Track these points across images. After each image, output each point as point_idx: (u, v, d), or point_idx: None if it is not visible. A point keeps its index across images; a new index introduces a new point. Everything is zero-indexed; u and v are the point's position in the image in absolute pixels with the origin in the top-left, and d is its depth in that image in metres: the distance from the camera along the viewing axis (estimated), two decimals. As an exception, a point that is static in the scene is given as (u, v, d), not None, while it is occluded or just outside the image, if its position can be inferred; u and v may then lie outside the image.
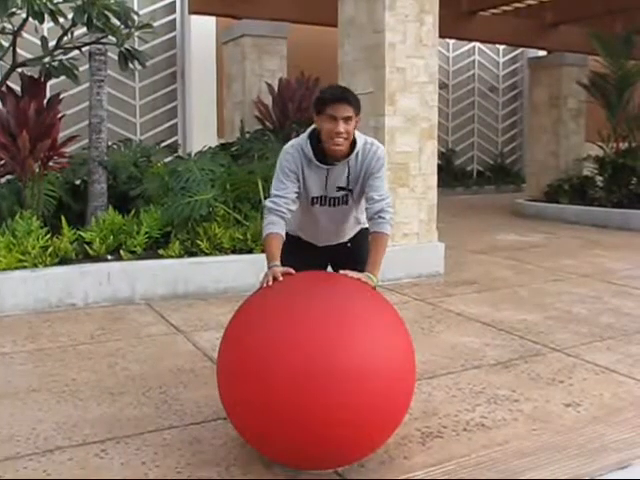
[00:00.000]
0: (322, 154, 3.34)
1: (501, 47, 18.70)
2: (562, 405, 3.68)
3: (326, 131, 3.25)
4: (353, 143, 3.36)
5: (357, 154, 3.38)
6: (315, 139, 3.36)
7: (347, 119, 3.22)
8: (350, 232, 3.73)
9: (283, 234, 3.35)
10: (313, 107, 3.35)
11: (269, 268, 3.14)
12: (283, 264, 3.19)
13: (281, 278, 3.01)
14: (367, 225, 3.53)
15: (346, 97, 3.26)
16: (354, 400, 2.64)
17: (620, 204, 11.28)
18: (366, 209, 3.45)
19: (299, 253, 3.55)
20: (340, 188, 3.42)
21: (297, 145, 3.40)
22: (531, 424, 3.42)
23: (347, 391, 2.63)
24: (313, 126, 3.40)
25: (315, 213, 3.53)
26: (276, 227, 3.32)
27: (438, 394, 3.83)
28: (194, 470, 2.94)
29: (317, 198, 3.46)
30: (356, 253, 3.63)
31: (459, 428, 3.38)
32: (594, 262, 7.90)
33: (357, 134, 3.38)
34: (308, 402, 2.61)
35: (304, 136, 3.42)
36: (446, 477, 2.89)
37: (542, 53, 14.94)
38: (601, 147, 12.54)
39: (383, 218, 3.36)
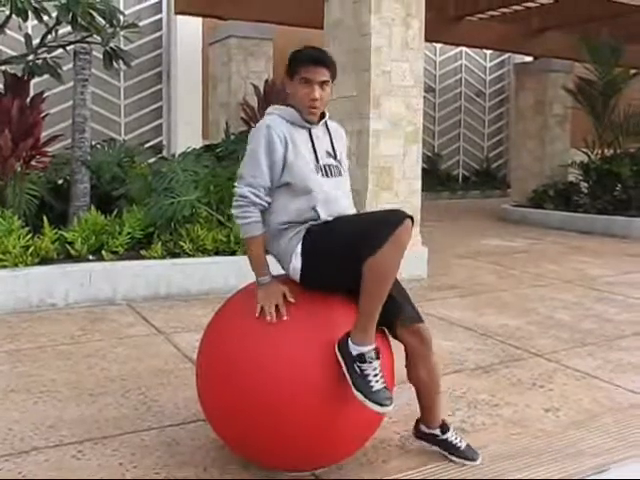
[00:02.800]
0: (302, 116, 2.98)
1: (488, 52, 18.76)
2: (542, 410, 3.68)
3: (300, 97, 2.93)
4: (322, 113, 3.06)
5: (328, 119, 3.10)
6: (291, 105, 3.01)
7: (323, 84, 2.91)
8: None
9: None
10: (286, 70, 3.00)
11: (262, 283, 2.84)
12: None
13: (284, 301, 2.76)
14: None
15: (323, 59, 2.93)
16: (330, 405, 2.64)
17: (604, 210, 11.34)
18: None
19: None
20: (328, 153, 3.03)
21: (274, 116, 2.98)
22: (510, 429, 3.42)
23: (323, 396, 2.63)
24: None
25: (328, 190, 2.96)
26: (261, 226, 2.90)
27: (418, 398, 3.83)
28: (172, 471, 2.93)
29: (318, 167, 2.96)
30: None
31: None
32: (577, 268, 7.93)
33: None
34: (284, 407, 2.60)
35: (274, 108, 3.04)
36: (424, 481, 2.89)
37: (528, 59, 15.00)
38: (586, 153, 12.60)
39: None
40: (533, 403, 3.78)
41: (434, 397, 3.09)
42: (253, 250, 2.90)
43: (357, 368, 2.65)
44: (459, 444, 3.07)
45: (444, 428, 3.09)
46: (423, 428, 3.14)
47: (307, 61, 2.91)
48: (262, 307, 2.73)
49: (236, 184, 2.95)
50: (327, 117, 3.09)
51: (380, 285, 2.66)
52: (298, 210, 2.90)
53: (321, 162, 2.98)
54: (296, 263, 2.85)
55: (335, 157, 3.06)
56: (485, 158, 19.25)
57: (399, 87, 7.02)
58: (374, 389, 2.64)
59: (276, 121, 2.94)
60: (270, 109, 3.05)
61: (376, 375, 2.66)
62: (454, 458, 3.04)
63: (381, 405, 2.64)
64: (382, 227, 2.66)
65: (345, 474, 2.93)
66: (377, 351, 2.70)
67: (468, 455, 3.05)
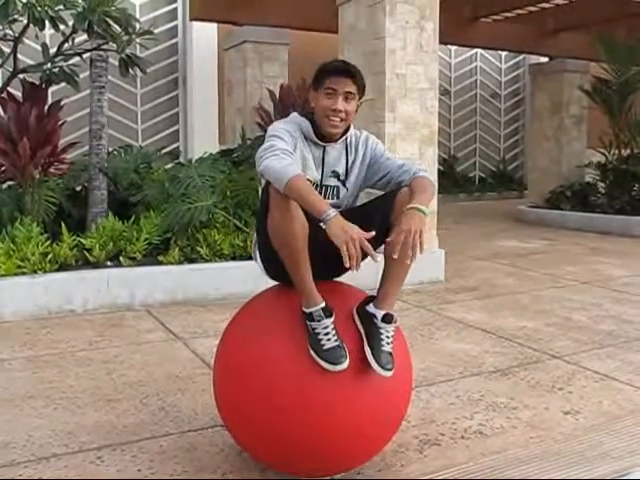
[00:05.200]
0: (318, 132, 2.95)
1: (503, 53, 18.69)
2: (561, 413, 3.66)
3: (322, 108, 2.87)
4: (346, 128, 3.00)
5: (351, 136, 3.05)
6: (309, 118, 2.98)
7: (348, 95, 2.85)
8: None
9: None
10: (312, 82, 2.98)
11: (331, 217, 2.50)
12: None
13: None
14: None
15: (350, 70, 2.88)
16: (347, 409, 2.64)
17: (622, 211, 11.25)
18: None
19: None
20: (334, 173, 2.99)
21: (292, 118, 3.01)
22: (529, 432, 3.41)
23: (341, 402, 2.63)
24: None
25: None
26: (298, 169, 2.68)
27: (436, 401, 3.82)
28: (190, 477, 2.93)
29: (312, 184, 2.84)
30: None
31: (457, 436, 3.36)
32: (595, 269, 7.88)
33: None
34: (302, 412, 2.61)
35: (294, 116, 3.03)
36: (443, 485, 2.88)
37: (544, 59, 14.93)
38: (603, 153, 12.52)
39: (424, 171, 2.93)
40: (552, 406, 3.76)
41: (403, 269, 2.78)
42: (298, 186, 2.58)
43: (309, 327, 2.66)
44: (386, 345, 2.71)
45: (387, 318, 2.76)
46: (370, 308, 2.80)
47: (332, 71, 2.89)
48: (347, 248, 2.46)
49: (258, 161, 2.77)
50: (350, 134, 3.03)
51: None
52: None
53: (324, 182, 2.99)
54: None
55: (339, 177, 3.01)
56: (501, 159, 19.16)
57: (414, 90, 7.02)
58: (325, 347, 2.61)
59: (293, 125, 2.94)
60: (291, 116, 3.04)
61: (327, 334, 2.62)
62: (368, 352, 2.68)
63: (330, 363, 2.58)
64: None
65: (363, 479, 2.93)
66: (327, 310, 2.66)
67: (381, 361, 2.66)
